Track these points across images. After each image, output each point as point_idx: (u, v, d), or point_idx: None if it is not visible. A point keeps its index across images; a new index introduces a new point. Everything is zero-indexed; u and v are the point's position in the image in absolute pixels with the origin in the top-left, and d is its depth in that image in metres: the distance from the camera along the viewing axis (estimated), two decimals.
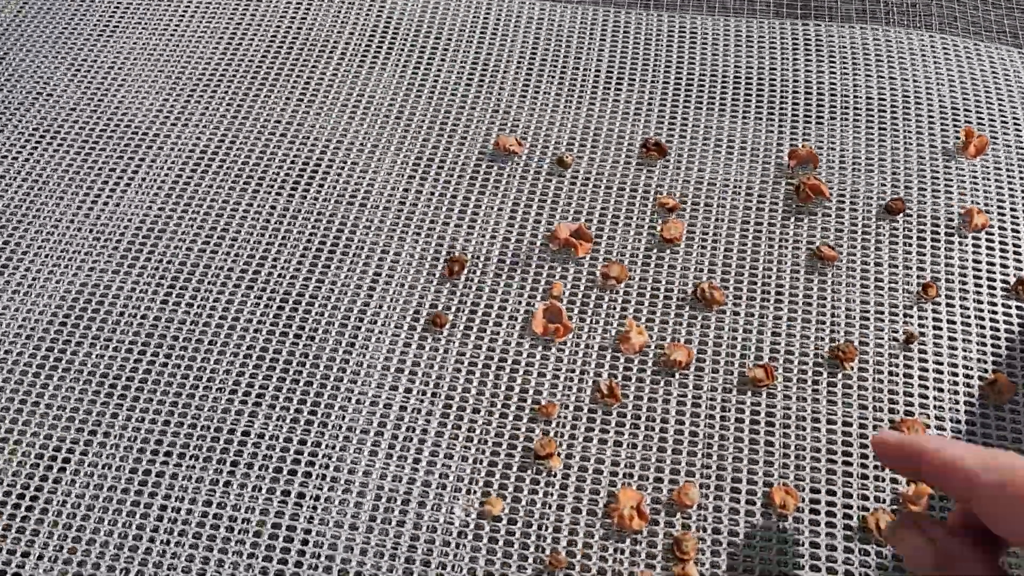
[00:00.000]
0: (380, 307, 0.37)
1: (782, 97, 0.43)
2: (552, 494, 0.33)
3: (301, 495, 0.33)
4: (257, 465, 0.33)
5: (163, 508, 0.32)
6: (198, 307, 0.37)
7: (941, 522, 0.26)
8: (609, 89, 0.44)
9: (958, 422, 0.34)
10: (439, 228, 0.40)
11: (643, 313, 0.37)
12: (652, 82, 0.44)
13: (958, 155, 0.40)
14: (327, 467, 0.33)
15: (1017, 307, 0.36)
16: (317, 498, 0.33)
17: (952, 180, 0.40)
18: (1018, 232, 0.38)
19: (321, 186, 0.41)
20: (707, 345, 0.36)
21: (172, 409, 0.35)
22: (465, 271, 0.38)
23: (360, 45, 0.47)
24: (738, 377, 0.35)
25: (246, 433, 0.34)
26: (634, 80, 0.44)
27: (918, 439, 0.26)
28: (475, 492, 0.33)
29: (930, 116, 0.42)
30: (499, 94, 0.44)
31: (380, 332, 0.37)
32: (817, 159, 0.40)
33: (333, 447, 0.34)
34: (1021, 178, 0.40)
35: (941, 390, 0.34)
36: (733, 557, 0.31)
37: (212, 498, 0.33)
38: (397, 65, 0.46)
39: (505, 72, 0.45)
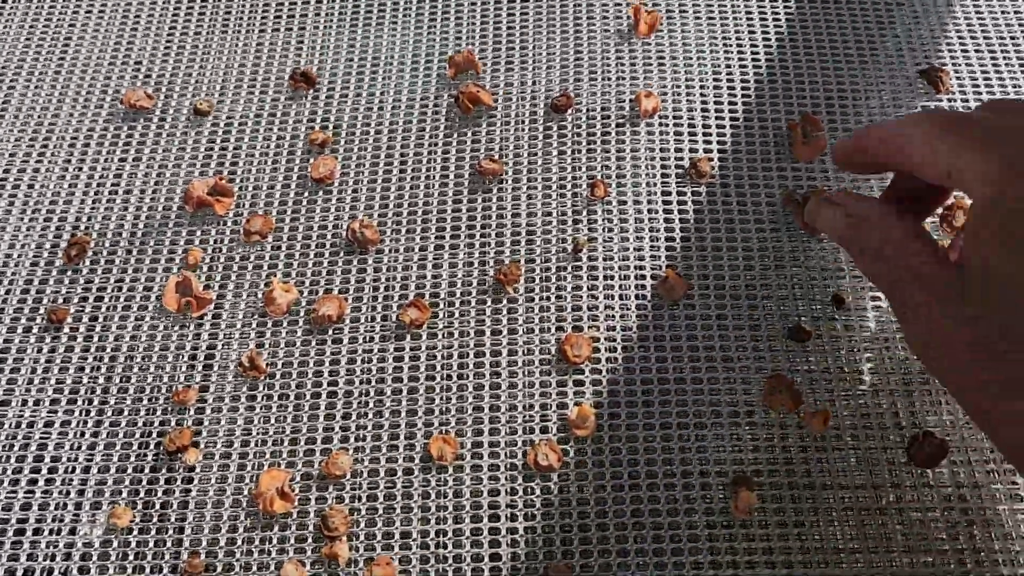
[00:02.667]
0: None
1: (435, 1, 0.39)
2: (191, 491, 0.29)
3: None
4: None
5: None
6: None
7: (853, 193, 0.27)
8: (253, 20, 0.39)
9: (629, 329, 0.31)
10: (60, 209, 0.34)
11: (293, 267, 0.33)
12: (290, 4, 0.39)
13: (631, 36, 0.37)
14: None
15: (693, 192, 0.34)
16: None
17: (624, 65, 0.36)
18: (693, 110, 0.35)
19: None
20: (363, 292, 0.32)
21: None
22: (89, 253, 0.33)
23: None
24: (396, 322, 0.31)
25: None
26: (281, 6, 0.39)
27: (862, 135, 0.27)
28: (103, 505, 0.29)
29: None
30: (129, 42, 0.38)
31: None
32: (478, 64, 0.36)
33: None
34: (699, 51, 0.37)
35: (612, 297, 0.32)
36: (389, 523, 0.28)
37: None
38: (12, 21, 0.39)
39: (136, 17, 0.39)
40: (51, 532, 0.28)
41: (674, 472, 0.29)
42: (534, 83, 0.36)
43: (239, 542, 0.28)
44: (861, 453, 0.29)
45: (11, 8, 0.39)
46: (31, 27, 0.39)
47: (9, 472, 0.29)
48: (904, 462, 0.29)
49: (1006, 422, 0.22)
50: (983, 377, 0.22)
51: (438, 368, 0.31)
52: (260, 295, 0.32)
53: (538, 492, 0.28)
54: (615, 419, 0.29)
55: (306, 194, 0.34)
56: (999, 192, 0.21)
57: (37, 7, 0.39)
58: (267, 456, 0.30)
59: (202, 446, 0.30)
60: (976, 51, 0.36)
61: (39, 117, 0.36)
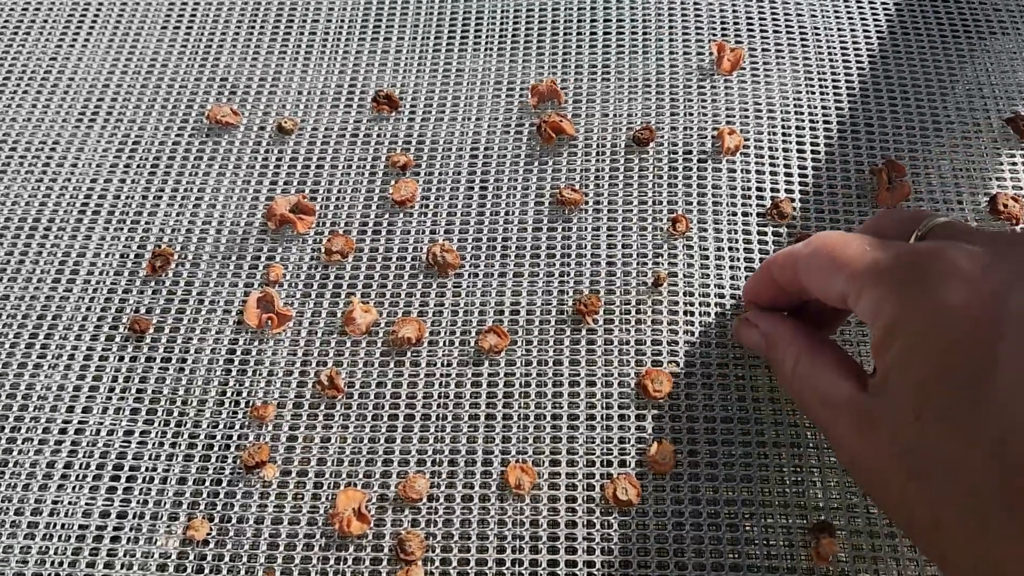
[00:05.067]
0: (73, 319, 0.33)
1: (514, 29, 0.39)
2: (267, 507, 0.29)
3: None
4: None
5: None
6: None
7: (767, 312, 0.29)
8: (338, 40, 0.39)
9: (709, 365, 0.31)
10: (144, 220, 0.35)
11: (373, 288, 0.33)
12: (375, 27, 0.40)
13: (714, 73, 0.37)
14: (5, 512, 0.29)
15: (774, 233, 0.33)
16: None
17: (707, 101, 0.37)
18: (775, 150, 0.35)
19: (10, 187, 0.36)
20: (442, 315, 0.32)
21: None
22: (172, 265, 0.34)
23: (59, 18, 0.41)
24: (475, 347, 0.32)
25: None
26: (366, 28, 0.40)
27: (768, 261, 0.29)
28: (180, 516, 0.29)
29: (684, 32, 0.39)
30: (216, 60, 0.39)
31: (72, 348, 0.32)
32: (560, 94, 0.36)
33: (13, 486, 0.29)
34: (782, 91, 0.37)
35: (692, 332, 0.31)
36: (465, 550, 0.28)
37: None
38: (102, 38, 0.40)
39: (223, 35, 0.40)
40: (128, 541, 0.29)
41: (754, 513, 0.28)
42: (615, 115, 0.36)
43: (314, 560, 0.28)
44: None
45: (101, 26, 0.40)
46: (120, 43, 0.40)
47: (89, 479, 0.30)
48: None
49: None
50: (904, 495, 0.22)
51: (516, 396, 0.31)
52: (339, 314, 0.32)
53: (616, 527, 0.28)
54: (694, 456, 0.29)
55: (386, 216, 0.35)
56: (893, 323, 0.22)
57: (127, 25, 0.40)
58: (343, 476, 0.30)
59: (279, 462, 0.30)
60: None
61: (126, 129, 0.37)
